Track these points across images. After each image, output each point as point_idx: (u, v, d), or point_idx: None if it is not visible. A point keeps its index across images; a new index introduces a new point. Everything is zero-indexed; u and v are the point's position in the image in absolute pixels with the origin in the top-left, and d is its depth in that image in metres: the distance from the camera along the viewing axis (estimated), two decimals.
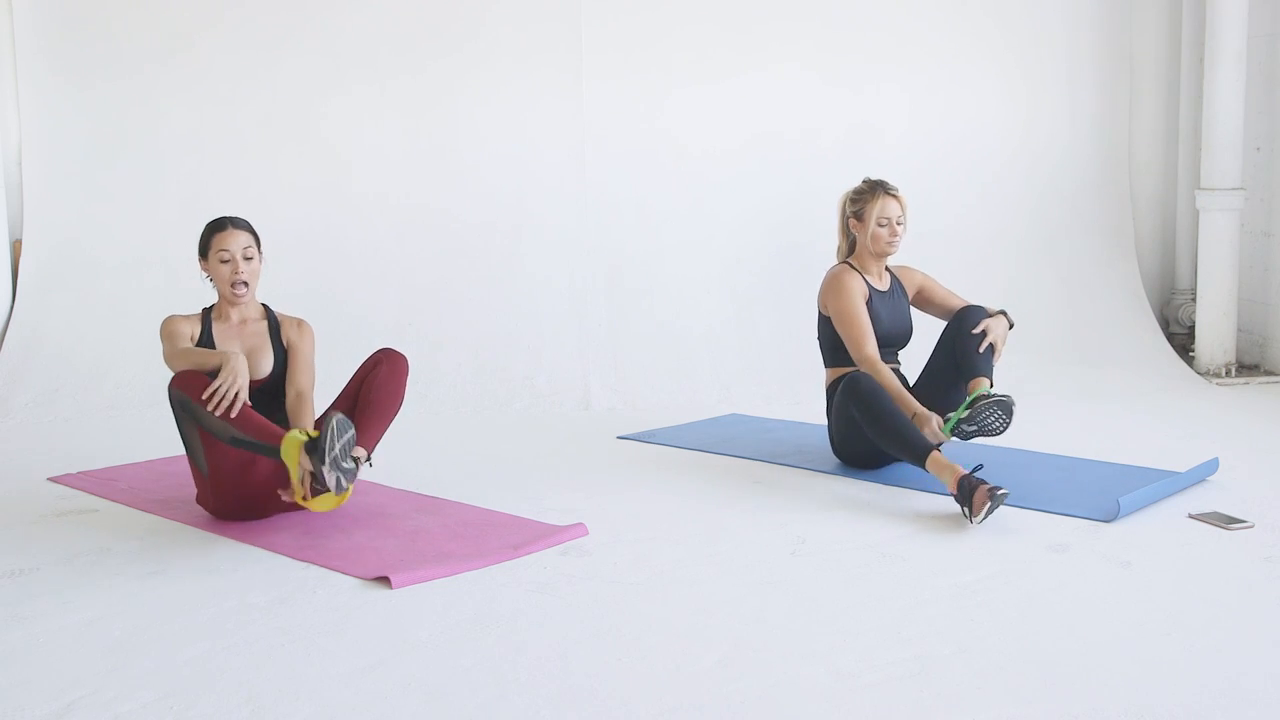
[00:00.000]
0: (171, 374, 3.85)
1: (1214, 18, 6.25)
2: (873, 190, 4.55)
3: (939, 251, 6.56)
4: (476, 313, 6.13)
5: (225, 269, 3.94)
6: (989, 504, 3.75)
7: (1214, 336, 6.36)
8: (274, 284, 6.03)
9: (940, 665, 2.80)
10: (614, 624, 3.07)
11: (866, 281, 4.56)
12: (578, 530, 3.74)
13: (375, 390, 3.89)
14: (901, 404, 4.26)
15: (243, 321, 4.02)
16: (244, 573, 3.45)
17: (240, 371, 3.69)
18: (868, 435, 4.23)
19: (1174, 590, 3.28)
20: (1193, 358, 6.47)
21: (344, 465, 3.55)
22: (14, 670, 2.81)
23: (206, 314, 4.03)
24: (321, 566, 3.48)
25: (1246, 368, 6.47)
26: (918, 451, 4.05)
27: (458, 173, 6.28)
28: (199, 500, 3.97)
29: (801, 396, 5.82)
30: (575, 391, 5.78)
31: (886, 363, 4.47)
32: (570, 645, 2.92)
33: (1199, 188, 6.43)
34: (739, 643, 2.94)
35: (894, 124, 6.63)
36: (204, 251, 3.98)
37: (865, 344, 4.42)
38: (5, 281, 5.92)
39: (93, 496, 4.23)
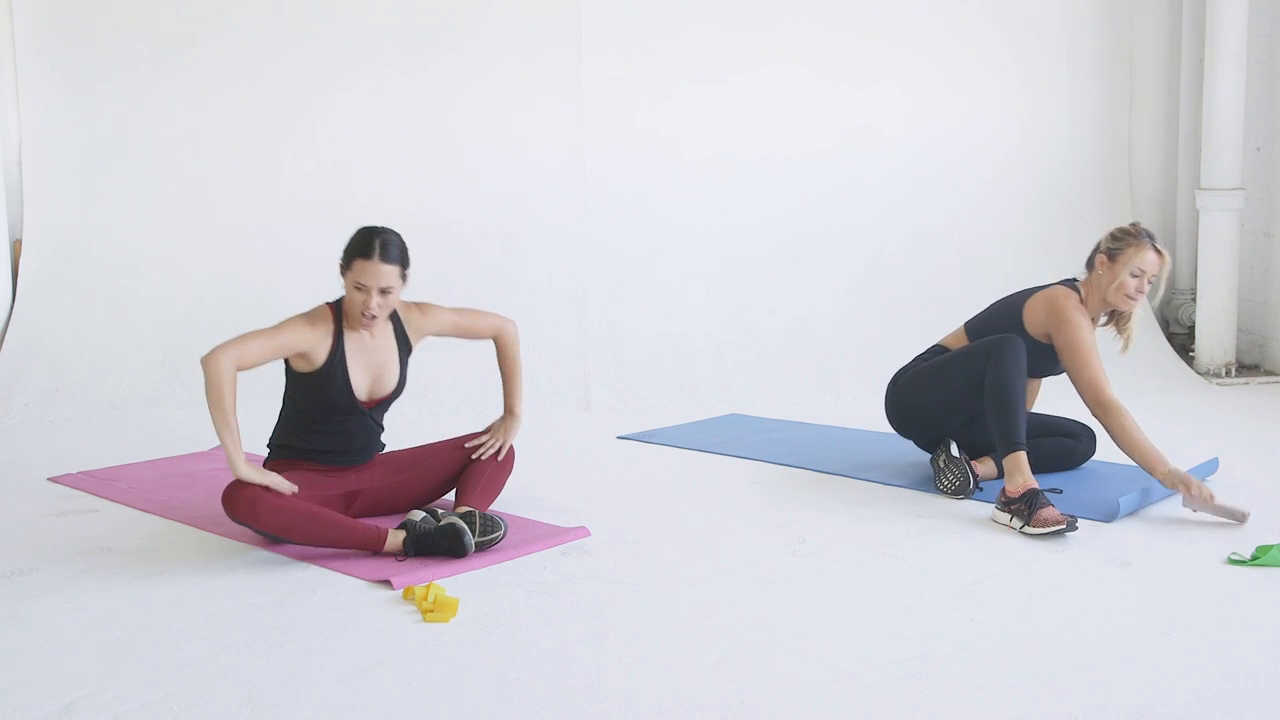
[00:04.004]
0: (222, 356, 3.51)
1: (1214, 18, 6.25)
2: (1138, 237, 4.14)
3: (939, 251, 6.58)
4: None
5: (358, 296, 3.65)
6: (1060, 526, 3.65)
7: (1214, 336, 6.36)
8: (274, 284, 6.06)
9: (940, 665, 2.80)
10: (614, 624, 3.07)
11: None
12: (579, 533, 3.73)
13: (488, 472, 3.86)
14: (1155, 458, 3.92)
15: (372, 335, 3.80)
16: (244, 573, 3.45)
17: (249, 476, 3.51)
18: (984, 394, 4.01)
19: (1174, 590, 3.28)
20: (1193, 358, 6.47)
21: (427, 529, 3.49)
22: (14, 670, 2.81)
23: (339, 314, 3.74)
24: (321, 566, 3.48)
25: (1246, 368, 6.47)
26: (1013, 440, 3.93)
27: (457, 173, 6.28)
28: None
29: (801, 396, 5.81)
30: (575, 391, 5.78)
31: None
32: (570, 645, 2.92)
33: (1199, 188, 6.43)
34: (739, 643, 2.94)
35: (894, 123, 6.63)
36: (344, 267, 3.68)
37: (1107, 385, 4.07)
38: (5, 281, 5.92)
39: (93, 496, 4.23)
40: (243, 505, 3.48)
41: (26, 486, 4.37)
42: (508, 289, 6.18)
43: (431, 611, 3.10)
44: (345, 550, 3.53)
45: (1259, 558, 3.45)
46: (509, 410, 4.09)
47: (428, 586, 3.21)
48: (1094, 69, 6.84)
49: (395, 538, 3.52)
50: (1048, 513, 3.71)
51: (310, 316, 3.73)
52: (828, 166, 6.55)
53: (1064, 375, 4.24)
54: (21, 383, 5.59)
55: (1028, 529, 3.73)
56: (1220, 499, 3.86)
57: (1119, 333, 4.34)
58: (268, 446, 3.87)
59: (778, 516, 3.96)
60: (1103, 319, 4.32)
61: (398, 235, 3.77)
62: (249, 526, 3.53)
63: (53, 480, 4.44)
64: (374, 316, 3.68)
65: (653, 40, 6.39)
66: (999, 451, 3.99)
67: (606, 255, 6.30)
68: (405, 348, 3.90)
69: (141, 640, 2.97)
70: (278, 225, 6.13)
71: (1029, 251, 6.70)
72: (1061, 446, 4.41)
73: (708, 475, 4.50)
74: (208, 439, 4.99)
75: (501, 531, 3.55)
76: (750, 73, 6.49)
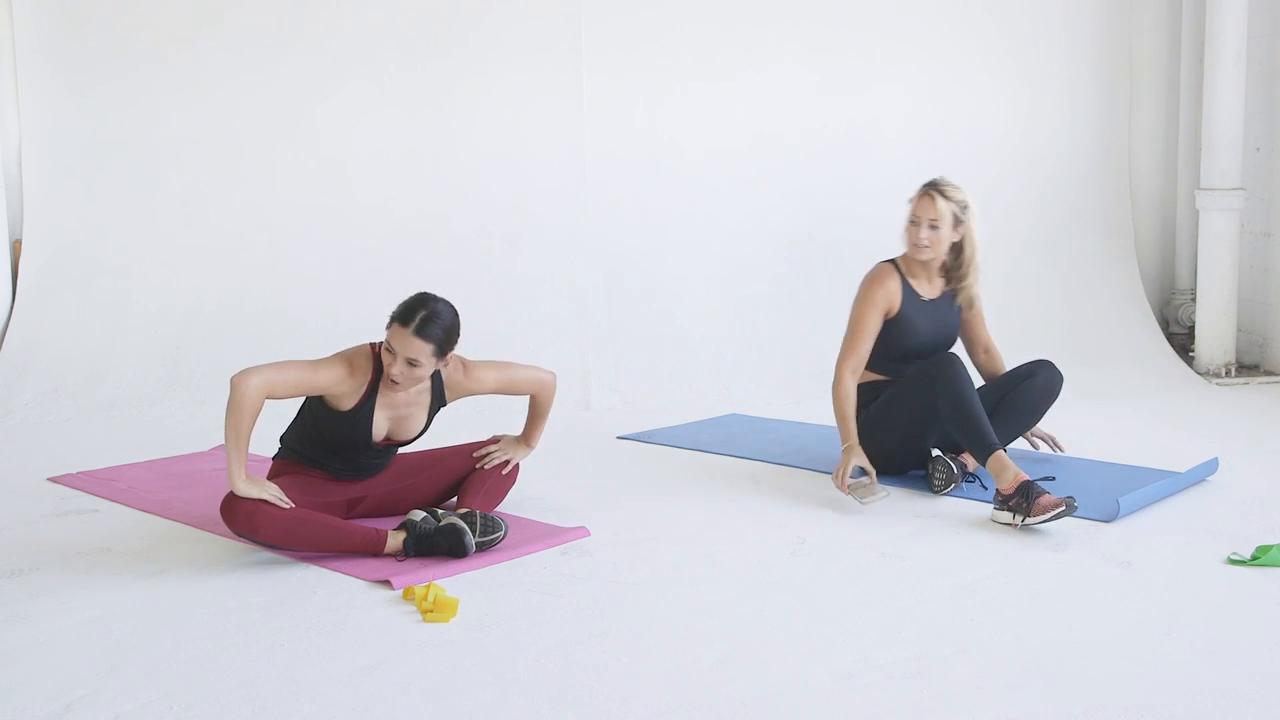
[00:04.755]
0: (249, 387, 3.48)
1: (1214, 18, 6.25)
2: (921, 188, 4.36)
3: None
4: (477, 313, 6.05)
5: (387, 357, 3.58)
6: (1060, 509, 3.68)
7: (1214, 336, 6.36)
8: (275, 284, 6.06)
9: (940, 665, 2.80)
10: (614, 624, 3.07)
11: (909, 286, 4.38)
12: (579, 533, 3.73)
13: (491, 480, 3.87)
14: (845, 425, 4.15)
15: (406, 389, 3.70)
16: (244, 573, 3.45)
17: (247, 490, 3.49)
18: (941, 414, 4.07)
19: (1174, 590, 3.28)
20: (1193, 358, 6.47)
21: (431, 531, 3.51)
22: (14, 670, 2.81)
23: (376, 370, 3.64)
24: (321, 566, 3.48)
25: (1246, 368, 6.47)
26: (987, 444, 3.96)
27: (457, 173, 6.27)
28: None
29: (801, 396, 5.81)
30: (575, 391, 5.78)
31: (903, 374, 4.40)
32: (570, 645, 2.92)
33: (1199, 188, 6.43)
34: (739, 643, 2.94)
35: (894, 124, 6.63)
36: (387, 327, 3.60)
37: (849, 355, 4.26)
38: (5, 281, 5.92)
39: (93, 496, 4.23)
40: (241, 517, 3.47)
41: (26, 486, 4.37)
42: (508, 288, 6.18)
43: (431, 611, 3.10)
44: (345, 553, 3.53)
45: (1259, 558, 3.46)
46: (526, 439, 4.07)
47: (428, 586, 3.21)
48: (1094, 69, 6.83)
49: (395, 539, 3.52)
50: (1045, 500, 3.73)
51: (351, 363, 3.64)
52: (828, 167, 6.54)
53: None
54: (21, 383, 5.59)
55: (1029, 520, 3.73)
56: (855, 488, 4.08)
57: (958, 296, 4.49)
58: (279, 441, 3.87)
59: (778, 516, 3.96)
60: (941, 284, 4.46)
61: (450, 314, 3.64)
62: (248, 538, 3.53)
63: (53, 480, 4.44)
64: (396, 383, 3.61)
65: (653, 40, 6.38)
66: (978, 459, 4.02)
67: (606, 255, 6.30)
68: (438, 401, 3.82)
69: (141, 640, 2.97)
70: (278, 225, 6.12)
71: (1029, 251, 6.71)
72: (1029, 389, 4.37)
73: (708, 475, 4.50)
74: (208, 439, 5.00)
75: (502, 532, 3.55)
76: (750, 72, 6.48)
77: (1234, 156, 6.28)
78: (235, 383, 3.48)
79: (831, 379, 4.27)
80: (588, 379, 5.86)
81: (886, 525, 3.85)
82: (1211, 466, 4.36)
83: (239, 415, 3.45)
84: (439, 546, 3.49)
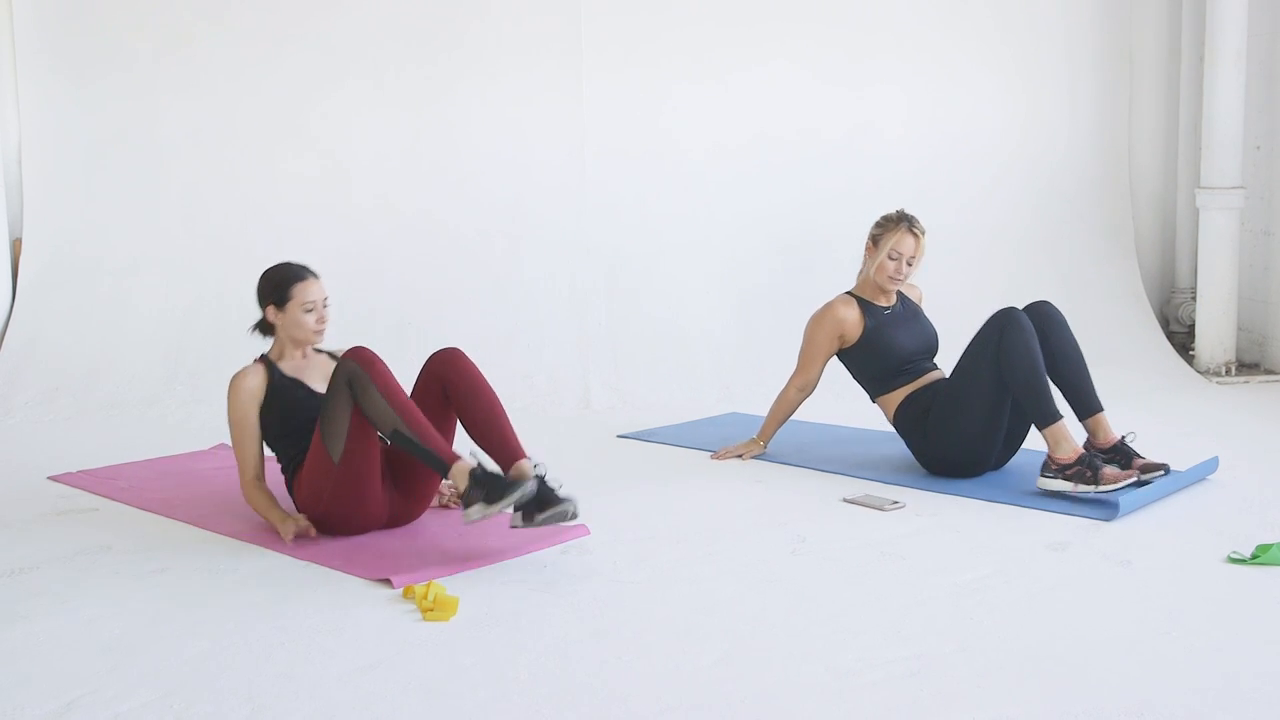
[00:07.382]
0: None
1: (1214, 18, 6.25)
2: (897, 222, 4.49)
3: (939, 251, 6.55)
4: (476, 312, 6.12)
5: (309, 318, 3.82)
6: (1130, 479, 3.89)
7: (1214, 335, 6.36)
8: None
9: (940, 665, 2.80)
10: (614, 623, 3.07)
11: (870, 306, 4.54)
12: (579, 531, 3.73)
13: (475, 405, 3.76)
14: (768, 422, 4.67)
15: (305, 357, 3.90)
16: (244, 573, 3.45)
17: (287, 537, 3.68)
18: (1004, 371, 4.04)
19: (1174, 590, 3.28)
20: (1193, 357, 6.47)
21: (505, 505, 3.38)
22: (14, 669, 2.82)
23: (269, 363, 3.85)
24: (321, 566, 3.48)
25: (1246, 366, 6.47)
26: (1048, 413, 4.03)
27: (457, 172, 6.28)
28: (300, 495, 3.76)
29: None
30: (575, 391, 5.78)
31: (920, 375, 4.44)
32: (570, 645, 2.93)
33: (1199, 187, 6.43)
34: (739, 642, 2.94)
35: (894, 123, 6.63)
36: (281, 301, 3.81)
37: (798, 374, 4.60)
38: (5, 281, 5.92)
39: (93, 496, 4.23)
40: (369, 354, 3.55)
41: (26, 486, 4.37)
42: (508, 287, 6.18)
43: (431, 610, 3.10)
44: (417, 439, 3.46)
45: (1259, 557, 3.46)
46: None
47: (427, 585, 3.22)
48: (1094, 69, 6.84)
49: (463, 469, 3.42)
50: (1110, 471, 3.90)
51: (241, 380, 3.80)
52: (828, 166, 6.55)
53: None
54: (21, 382, 5.59)
55: (1103, 489, 3.88)
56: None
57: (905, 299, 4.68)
58: (283, 474, 3.85)
59: (778, 516, 3.96)
60: (895, 295, 4.61)
61: None
62: (362, 371, 3.50)
63: (53, 479, 4.44)
64: (325, 325, 3.87)
65: (653, 39, 6.39)
66: (1040, 424, 4.05)
67: (606, 254, 6.30)
68: None
69: (141, 640, 2.98)
70: (278, 224, 6.13)
71: (1029, 251, 6.70)
72: (1056, 344, 4.23)
73: (708, 475, 4.50)
74: (208, 438, 5.00)
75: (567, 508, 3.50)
76: (750, 72, 6.48)
77: (1234, 155, 6.28)
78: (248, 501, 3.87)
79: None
80: (588, 379, 5.86)
81: (886, 525, 3.86)
82: (1211, 465, 4.36)
83: (261, 512, 3.80)
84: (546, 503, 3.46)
